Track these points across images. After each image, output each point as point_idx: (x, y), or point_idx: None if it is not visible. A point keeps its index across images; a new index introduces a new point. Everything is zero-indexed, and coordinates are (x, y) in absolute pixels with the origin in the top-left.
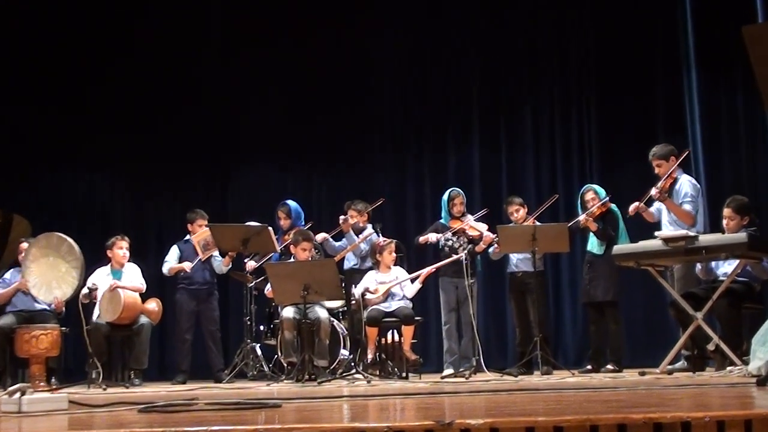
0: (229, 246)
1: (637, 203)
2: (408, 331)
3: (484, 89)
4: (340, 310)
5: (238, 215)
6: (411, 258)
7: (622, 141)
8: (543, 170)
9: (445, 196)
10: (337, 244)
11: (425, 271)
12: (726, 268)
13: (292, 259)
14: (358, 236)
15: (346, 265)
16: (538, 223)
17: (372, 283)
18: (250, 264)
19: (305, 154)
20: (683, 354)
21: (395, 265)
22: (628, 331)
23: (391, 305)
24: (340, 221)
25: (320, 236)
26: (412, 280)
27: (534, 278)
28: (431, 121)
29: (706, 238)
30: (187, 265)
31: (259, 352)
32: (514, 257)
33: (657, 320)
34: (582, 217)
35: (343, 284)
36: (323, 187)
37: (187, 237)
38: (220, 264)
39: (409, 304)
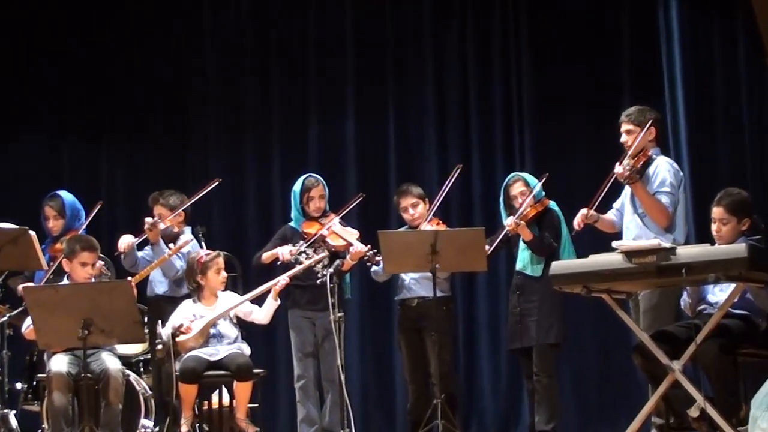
0: None
1: (584, 211)
2: (243, 389)
3: (363, 26)
4: (141, 358)
5: None
6: (250, 278)
7: (569, 106)
8: (451, 149)
9: (297, 187)
10: (140, 254)
11: (274, 284)
12: (717, 296)
13: (65, 280)
14: (169, 247)
15: (151, 290)
16: (442, 227)
17: (188, 318)
18: None
19: (90, 122)
20: (654, 422)
21: (225, 289)
22: (575, 388)
23: (219, 351)
24: (146, 226)
25: (125, 242)
26: (256, 300)
27: (435, 309)
28: (282, 73)
29: (688, 252)
30: None
31: (13, 423)
32: (406, 277)
33: (616, 372)
34: (510, 222)
35: (146, 319)
36: (118, 170)
37: None
38: None
39: (246, 350)
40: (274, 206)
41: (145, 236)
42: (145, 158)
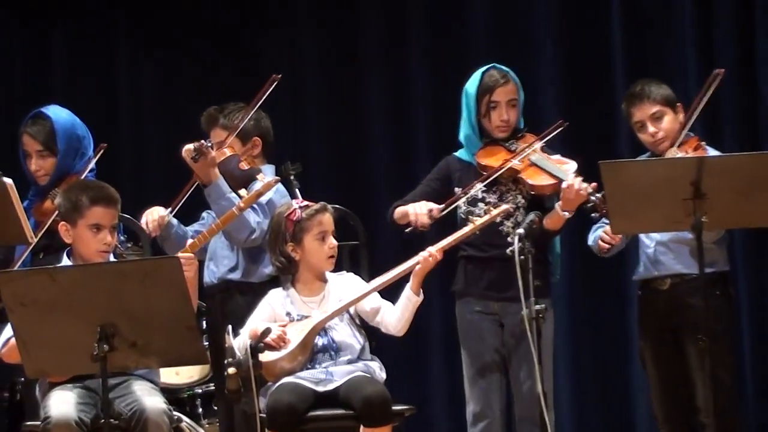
0: None
1: None
2: None
3: None
4: (199, 391)
5: None
6: (380, 249)
7: None
8: (720, 20)
9: (471, 86)
10: (190, 228)
11: (417, 262)
12: None
13: (65, 260)
14: (240, 195)
15: (211, 273)
16: (709, 151)
17: (279, 319)
18: None
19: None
20: None
21: (338, 269)
22: None
23: (332, 375)
24: (190, 153)
25: (153, 217)
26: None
27: (703, 295)
28: None
29: None
30: None
31: None
32: (649, 242)
33: None
34: None
35: (204, 323)
36: (143, 76)
37: None
38: None
39: (379, 372)
40: (417, 124)
41: (194, 182)
42: (190, 58)
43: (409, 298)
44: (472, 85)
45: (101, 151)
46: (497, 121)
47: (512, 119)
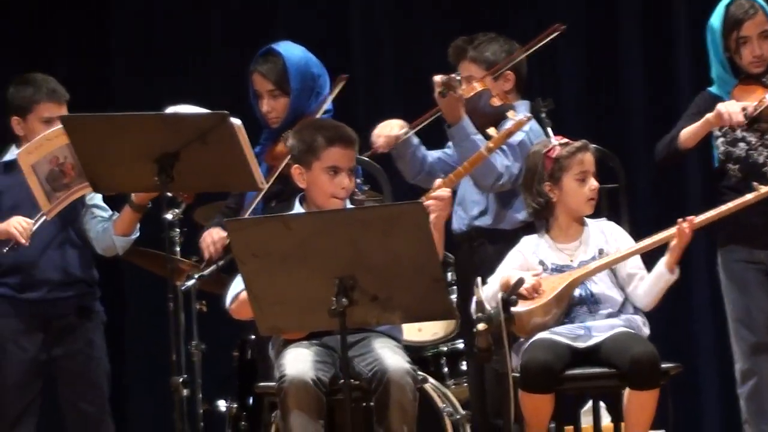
0: (126, 180)
1: None
2: (642, 403)
3: None
4: (444, 349)
5: (124, 87)
6: (636, 195)
7: None
8: None
9: (716, 20)
10: (435, 154)
11: (684, 228)
12: None
13: (297, 207)
14: (489, 134)
15: (461, 219)
16: None
17: (533, 268)
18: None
19: None
20: None
21: (599, 214)
22: None
23: (590, 330)
24: (438, 88)
25: (388, 128)
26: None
27: None
28: None
29: None
30: (17, 225)
31: None
32: None
33: None
34: None
35: (452, 274)
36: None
37: (10, 154)
38: (109, 227)
39: (642, 327)
40: (677, 56)
41: (433, 113)
42: None
43: (661, 276)
44: (716, 19)
45: (341, 84)
46: (749, 57)
47: (766, 53)
